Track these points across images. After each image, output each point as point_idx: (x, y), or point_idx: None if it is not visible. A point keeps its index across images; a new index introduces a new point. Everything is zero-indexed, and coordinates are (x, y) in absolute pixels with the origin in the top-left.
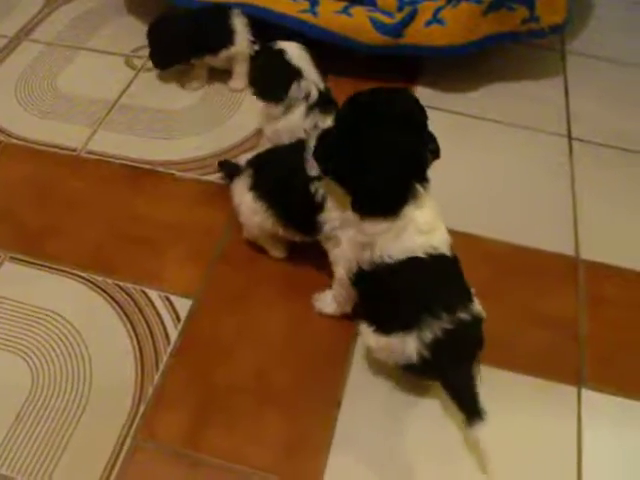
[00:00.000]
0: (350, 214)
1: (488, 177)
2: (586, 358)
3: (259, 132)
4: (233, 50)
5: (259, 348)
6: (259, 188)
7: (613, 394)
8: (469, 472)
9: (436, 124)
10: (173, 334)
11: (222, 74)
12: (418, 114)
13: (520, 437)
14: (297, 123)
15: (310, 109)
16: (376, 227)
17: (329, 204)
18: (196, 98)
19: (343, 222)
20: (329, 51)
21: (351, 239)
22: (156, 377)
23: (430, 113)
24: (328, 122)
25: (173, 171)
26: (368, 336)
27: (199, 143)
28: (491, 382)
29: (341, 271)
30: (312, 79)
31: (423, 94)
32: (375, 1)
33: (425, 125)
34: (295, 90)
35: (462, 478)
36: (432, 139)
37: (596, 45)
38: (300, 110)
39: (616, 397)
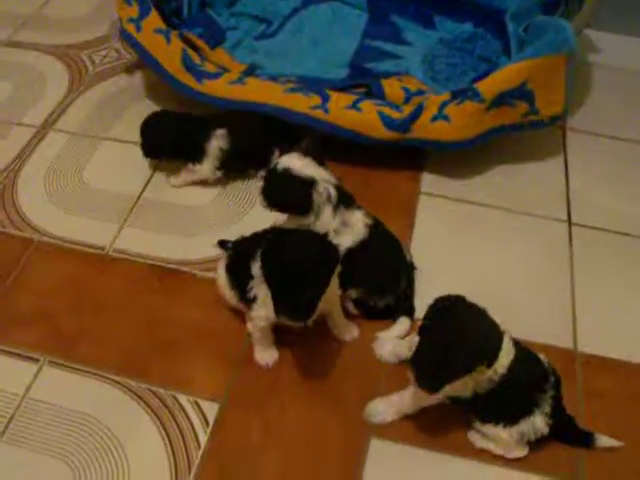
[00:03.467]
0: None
1: (488, 268)
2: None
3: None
4: (197, 168)
5: (282, 449)
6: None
7: None
8: None
9: (442, 213)
10: (203, 437)
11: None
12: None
13: None
14: (326, 225)
15: (336, 208)
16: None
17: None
18: (213, 194)
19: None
20: (339, 140)
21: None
22: None
23: (436, 202)
24: (355, 217)
25: (195, 271)
26: (500, 433)
27: (216, 241)
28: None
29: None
30: (324, 179)
31: (429, 181)
32: (383, 93)
33: None
34: (317, 197)
35: None
36: None
37: (596, 121)
38: (327, 213)
39: None
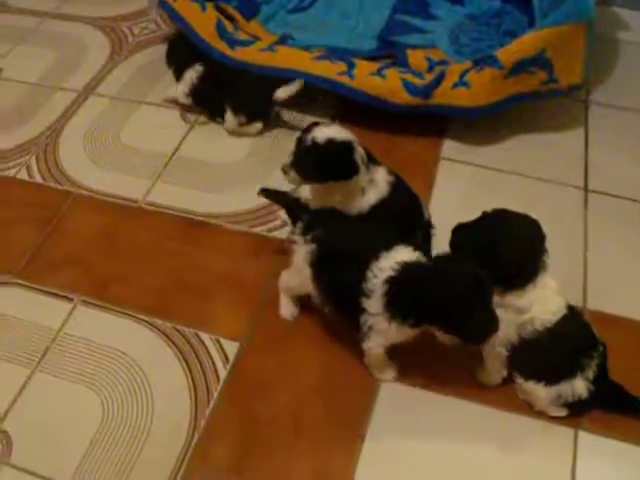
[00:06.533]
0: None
1: None
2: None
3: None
4: (177, 86)
5: (296, 387)
6: (318, 267)
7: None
8: None
9: (461, 178)
10: (222, 373)
11: (267, 129)
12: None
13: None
14: (359, 185)
15: (367, 167)
16: (527, 298)
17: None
18: (244, 152)
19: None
20: (364, 107)
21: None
22: (207, 411)
23: (456, 167)
24: (379, 173)
25: (223, 223)
26: (539, 391)
27: (246, 196)
28: (491, 423)
29: (499, 350)
30: (355, 141)
31: (450, 148)
32: (407, 62)
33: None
34: (358, 158)
35: None
36: None
37: (619, 95)
38: (362, 172)
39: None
